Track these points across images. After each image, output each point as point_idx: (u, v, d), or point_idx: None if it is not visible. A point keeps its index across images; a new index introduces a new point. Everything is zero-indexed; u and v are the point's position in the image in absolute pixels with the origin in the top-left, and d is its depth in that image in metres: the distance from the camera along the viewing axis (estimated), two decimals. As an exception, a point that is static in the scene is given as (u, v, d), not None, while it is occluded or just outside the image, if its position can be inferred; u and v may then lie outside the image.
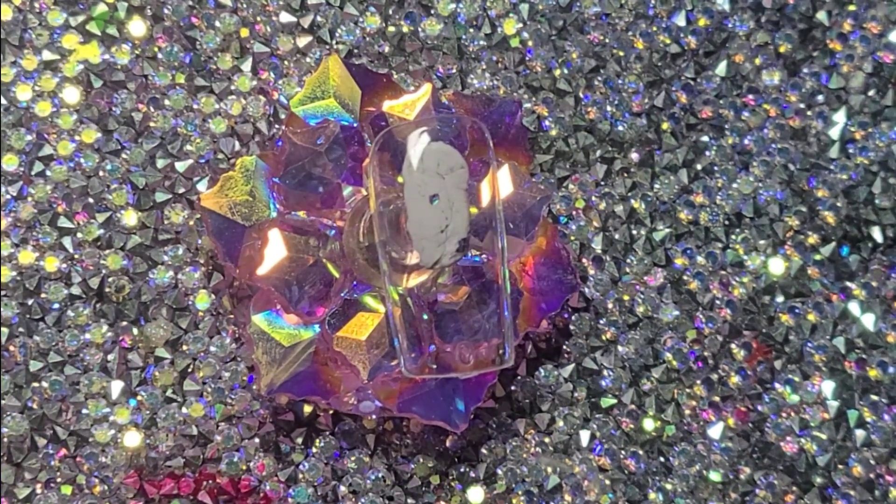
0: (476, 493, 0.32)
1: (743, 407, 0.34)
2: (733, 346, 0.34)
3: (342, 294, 0.30)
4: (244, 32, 0.33)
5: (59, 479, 0.31)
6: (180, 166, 0.33)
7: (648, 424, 0.33)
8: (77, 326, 0.32)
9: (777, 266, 0.34)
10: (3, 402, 0.31)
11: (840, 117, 0.35)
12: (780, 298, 0.34)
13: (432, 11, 0.34)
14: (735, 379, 0.34)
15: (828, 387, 0.34)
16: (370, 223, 0.29)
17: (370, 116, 0.31)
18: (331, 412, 0.32)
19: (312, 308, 0.30)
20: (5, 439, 0.31)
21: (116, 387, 0.32)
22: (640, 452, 0.33)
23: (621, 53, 0.35)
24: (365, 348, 0.30)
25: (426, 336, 0.29)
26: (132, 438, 0.32)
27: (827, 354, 0.34)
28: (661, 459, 0.33)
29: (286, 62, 0.34)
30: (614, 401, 0.33)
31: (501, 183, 0.30)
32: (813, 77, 0.35)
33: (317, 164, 0.30)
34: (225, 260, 0.30)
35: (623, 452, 0.33)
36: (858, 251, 0.35)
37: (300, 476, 0.32)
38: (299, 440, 0.32)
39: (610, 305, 0.34)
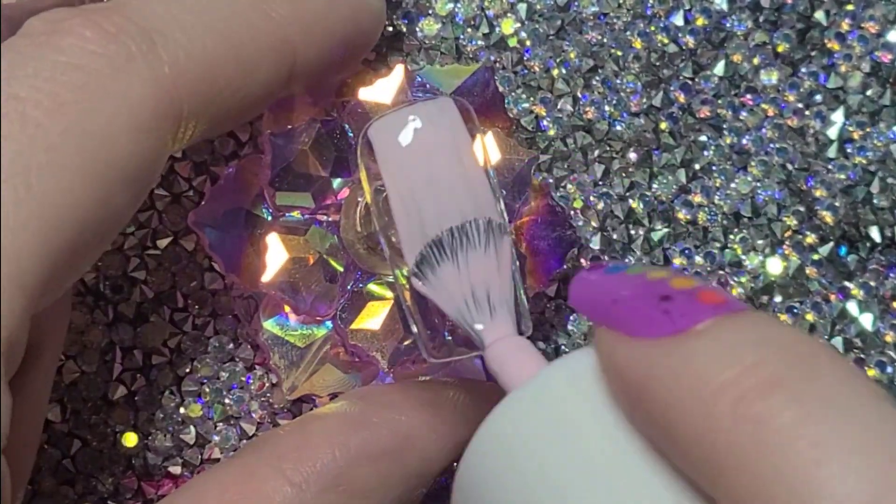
0: (474, 494, 0.32)
1: (741, 407, 0.34)
2: (731, 346, 0.34)
3: (348, 287, 0.30)
4: (242, 32, 0.33)
5: (56, 481, 0.31)
6: (178, 166, 0.33)
7: (647, 424, 0.33)
8: (75, 327, 0.32)
9: (775, 266, 0.34)
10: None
11: (838, 117, 0.35)
12: (778, 298, 0.34)
13: (430, 12, 0.34)
14: (733, 379, 0.34)
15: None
16: (366, 212, 0.29)
17: (348, 106, 0.30)
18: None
19: (321, 306, 0.30)
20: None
21: (114, 387, 0.32)
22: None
23: (619, 53, 0.35)
24: (381, 337, 0.29)
25: (439, 315, 0.28)
26: (130, 439, 0.32)
27: (825, 354, 0.34)
28: (660, 459, 0.33)
29: (284, 62, 0.33)
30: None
31: (489, 150, 0.30)
32: (811, 77, 0.35)
33: (303, 162, 0.30)
34: (227, 272, 0.30)
35: (621, 452, 0.33)
36: (857, 251, 0.35)
37: (298, 476, 0.32)
38: (297, 440, 0.32)
39: (608, 305, 0.34)
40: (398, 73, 0.31)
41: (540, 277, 0.31)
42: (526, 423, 0.21)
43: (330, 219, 0.30)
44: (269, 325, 0.30)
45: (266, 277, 0.29)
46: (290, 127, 0.30)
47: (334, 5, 0.27)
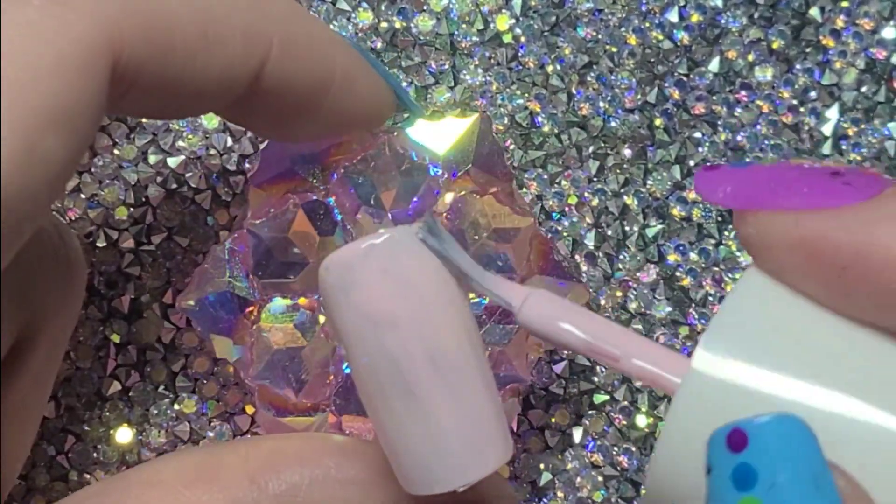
0: (468, 490, 0.32)
1: (736, 403, 0.34)
2: (726, 342, 0.34)
3: (343, 368, 0.29)
4: (236, 28, 0.33)
5: (50, 476, 0.31)
6: (172, 162, 0.33)
7: (641, 421, 0.33)
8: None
9: (770, 262, 0.34)
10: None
11: (833, 113, 0.35)
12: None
13: (425, 7, 0.34)
14: (728, 375, 0.34)
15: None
16: None
17: (333, 180, 0.29)
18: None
19: (314, 393, 0.29)
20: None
21: (108, 383, 0.32)
22: (633, 449, 0.33)
23: (614, 49, 0.35)
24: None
25: None
26: (124, 434, 0.32)
27: (820, 351, 0.34)
28: (654, 456, 0.33)
29: (278, 58, 0.33)
30: (607, 397, 0.33)
31: (484, 215, 0.29)
32: (806, 73, 0.35)
33: (285, 250, 0.28)
34: (221, 356, 0.29)
35: (616, 449, 0.33)
36: (851, 247, 0.35)
37: (292, 472, 0.32)
38: (291, 436, 0.32)
39: (603, 302, 0.34)
40: (383, 145, 0.29)
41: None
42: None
43: (320, 298, 0.29)
44: (266, 414, 0.29)
45: (254, 371, 0.28)
46: (270, 210, 0.29)
47: (332, 44, 0.26)
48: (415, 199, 0.29)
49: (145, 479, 0.23)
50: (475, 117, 0.30)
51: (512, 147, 0.34)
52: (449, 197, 0.29)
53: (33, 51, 0.20)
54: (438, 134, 0.30)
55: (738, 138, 0.35)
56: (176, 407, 0.32)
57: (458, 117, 0.30)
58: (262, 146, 0.29)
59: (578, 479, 0.33)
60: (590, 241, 0.34)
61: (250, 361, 0.29)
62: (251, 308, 0.29)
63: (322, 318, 0.29)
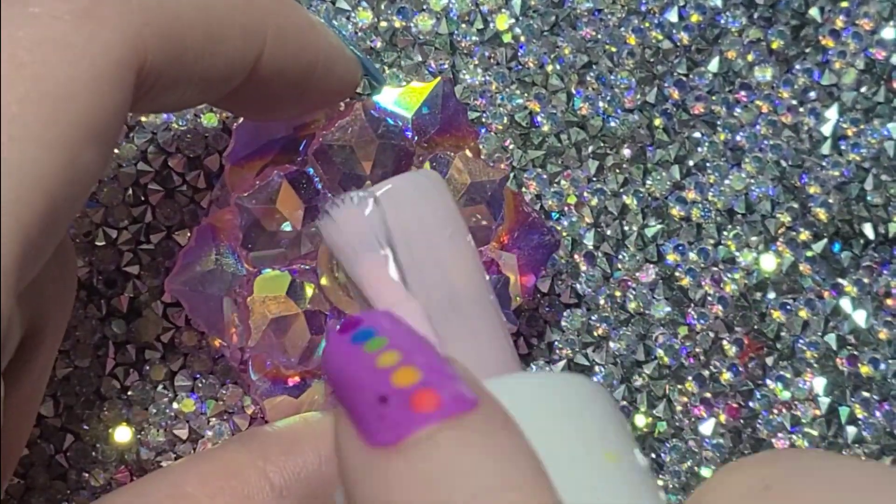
0: (467, 489, 0.32)
1: (734, 403, 0.34)
2: (725, 342, 0.34)
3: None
4: (236, 27, 0.33)
5: (48, 475, 0.31)
6: (171, 161, 0.33)
7: (640, 420, 0.33)
8: (67, 321, 0.32)
9: (769, 262, 0.34)
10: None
11: (832, 114, 0.35)
12: (771, 295, 0.34)
13: (424, 7, 0.34)
14: (727, 375, 0.34)
15: (819, 383, 0.34)
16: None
17: (311, 149, 0.29)
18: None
19: (311, 360, 0.29)
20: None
21: (107, 382, 0.32)
22: (632, 448, 0.33)
23: (614, 49, 0.35)
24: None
25: None
26: (122, 433, 0.32)
27: (818, 351, 0.34)
28: (653, 455, 0.33)
29: (278, 57, 0.33)
30: (606, 397, 0.33)
31: (459, 175, 0.29)
32: (805, 73, 0.35)
33: (272, 220, 0.29)
34: (211, 334, 0.29)
35: (614, 448, 0.33)
36: (850, 248, 0.35)
37: (291, 472, 0.32)
38: (290, 436, 0.32)
39: (602, 301, 0.34)
40: (358, 112, 0.29)
41: (526, 287, 0.30)
42: None
43: (309, 267, 0.29)
44: (261, 382, 0.30)
45: (252, 342, 0.28)
46: (257, 183, 0.29)
47: (315, 28, 0.27)
48: (394, 160, 0.29)
49: (172, 493, 0.24)
50: (437, 80, 0.30)
51: (511, 147, 0.34)
52: (423, 159, 0.30)
53: (71, 67, 0.20)
54: (403, 99, 0.30)
55: (738, 138, 0.35)
56: (175, 406, 0.32)
57: (419, 82, 0.31)
58: (234, 125, 0.30)
59: (577, 479, 0.33)
60: (589, 241, 0.34)
61: (247, 335, 0.29)
62: (240, 283, 0.29)
63: (309, 289, 0.29)
